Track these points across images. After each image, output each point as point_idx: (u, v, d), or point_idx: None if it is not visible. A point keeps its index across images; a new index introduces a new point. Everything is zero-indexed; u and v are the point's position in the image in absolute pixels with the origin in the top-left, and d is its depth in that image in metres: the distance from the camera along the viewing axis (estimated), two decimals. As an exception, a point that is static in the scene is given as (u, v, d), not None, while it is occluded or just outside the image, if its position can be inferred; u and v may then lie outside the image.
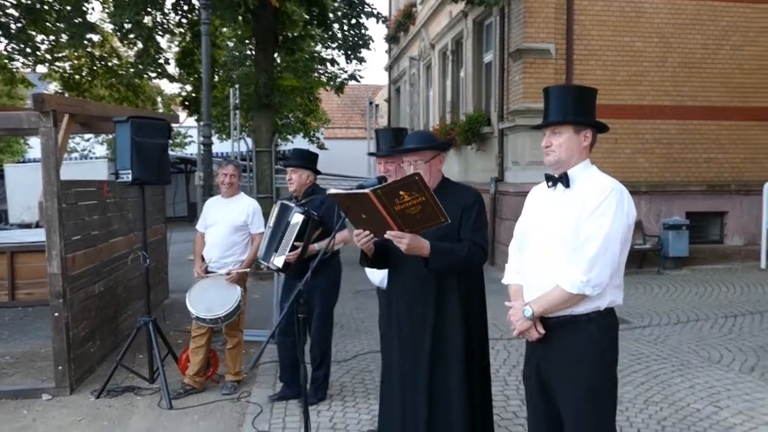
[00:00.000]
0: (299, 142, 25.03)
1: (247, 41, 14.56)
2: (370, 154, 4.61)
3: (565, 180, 2.73)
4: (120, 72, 15.06)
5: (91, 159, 26.01)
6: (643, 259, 11.06)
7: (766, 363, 5.92)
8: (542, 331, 2.73)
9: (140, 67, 12.88)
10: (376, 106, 25.30)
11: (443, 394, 3.31)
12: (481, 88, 13.89)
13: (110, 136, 23.53)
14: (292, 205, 4.94)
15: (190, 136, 25.90)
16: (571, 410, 2.71)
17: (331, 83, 16.43)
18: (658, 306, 8.38)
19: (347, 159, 25.25)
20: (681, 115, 11.51)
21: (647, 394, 5.17)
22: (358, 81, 17.34)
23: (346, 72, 16.56)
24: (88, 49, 15.03)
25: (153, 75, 13.85)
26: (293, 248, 4.78)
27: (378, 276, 4.00)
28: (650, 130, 11.45)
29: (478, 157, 13.41)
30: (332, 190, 3.07)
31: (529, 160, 10.88)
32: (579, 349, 2.68)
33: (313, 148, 25.32)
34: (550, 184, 2.80)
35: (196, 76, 14.78)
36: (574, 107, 2.71)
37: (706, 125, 11.62)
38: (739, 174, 11.76)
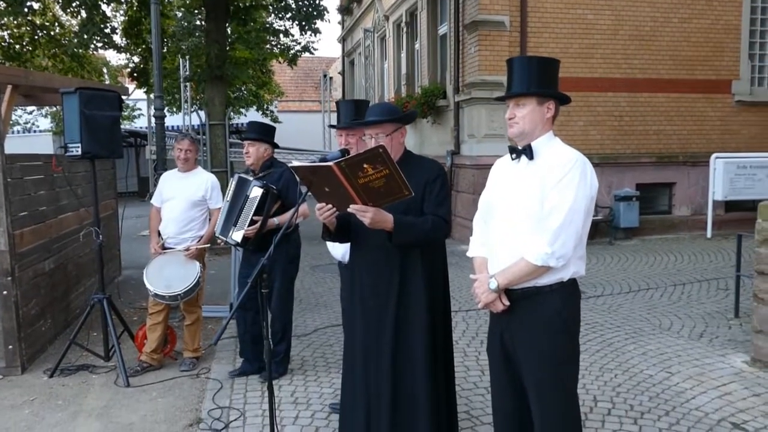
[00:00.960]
0: (252, 115, 24.66)
1: (196, 11, 14.14)
2: (331, 126, 4.54)
3: (528, 152, 2.73)
4: (63, 42, 14.48)
5: (35, 132, 25.13)
6: (595, 230, 11.27)
7: (714, 329, 6.12)
8: (507, 303, 2.75)
9: (85, 36, 12.39)
10: (330, 78, 25.11)
11: (407, 367, 3.30)
12: (437, 61, 13.85)
13: (55, 108, 22.75)
14: (251, 178, 4.85)
15: (139, 109, 25.23)
16: (534, 379, 2.74)
17: (284, 55, 16.13)
18: (611, 276, 8.58)
19: (302, 132, 25.04)
20: (632, 87, 11.71)
21: (602, 361, 5.30)
22: (312, 53, 17.08)
23: (299, 44, 16.23)
24: (29, 18, 14.41)
25: (99, 45, 13.36)
26: (252, 223, 4.70)
27: (340, 250, 3.97)
28: (602, 103, 11.63)
29: (433, 130, 13.42)
30: (295, 163, 3.02)
31: (485, 132, 10.94)
32: (542, 320, 2.71)
33: (267, 122, 25.09)
34: (513, 156, 2.79)
35: (144, 46, 14.34)
36: (538, 79, 2.70)
37: (656, 98, 11.85)
38: (687, 145, 12.07)
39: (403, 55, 15.97)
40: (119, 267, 9.45)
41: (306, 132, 25.36)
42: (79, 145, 5.14)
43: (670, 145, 11.99)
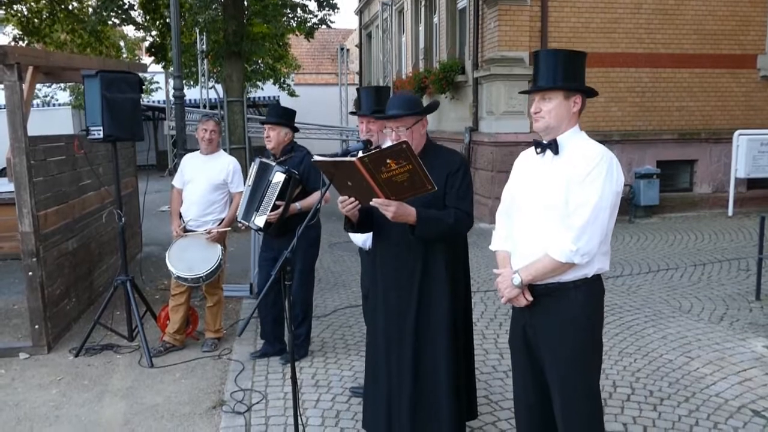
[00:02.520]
0: (269, 88, 24.57)
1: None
2: (352, 113, 4.52)
3: (554, 147, 2.70)
4: (81, 16, 14.44)
5: (54, 106, 25.24)
6: (614, 207, 11.18)
7: (734, 312, 6.09)
8: (530, 299, 2.75)
9: (104, 13, 12.36)
10: (347, 51, 24.87)
11: (429, 357, 3.33)
12: (455, 35, 13.69)
13: (74, 83, 22.80)
14: (273, 163, 4.85)
15: (157, 82, 25.17)
16: (556, 373, 2.75)
17: (302, 29, 15.99)
18: (630, 256, 8.54)
19: (319, 105, 24.89)
20: (654, 63, 11.53)
21: (621, 345, 5.30)
22: (329, 26, 16.93)
23: (316, 16, 16.07)
24: (47, -9, 14.41)
25: (117, 21, 13.32)
26: (274, 208, 4.72)
27: (361, 237, 3.98)
28: (624, 79, 11.47)
29: (452, 105, 13.31)
30: (317, 158, 3.01)
31: (504, 109, 10.85)
32: (565, 316, 2.70)
33: (283, 95, 24.96)
34: (538, 150, 2.77)
35: (161, 21, 14.28)
36: (564, 72, 2.66)
37: (679, 73, 11.66)
38: (710, 122, 11.88)
39: (421, 28, 15.79)
40: (140, 244, 9.54)
41: (323, 105, 25.21)
42: (101, 128, 5.17)
43: (693, 121, 11.82)
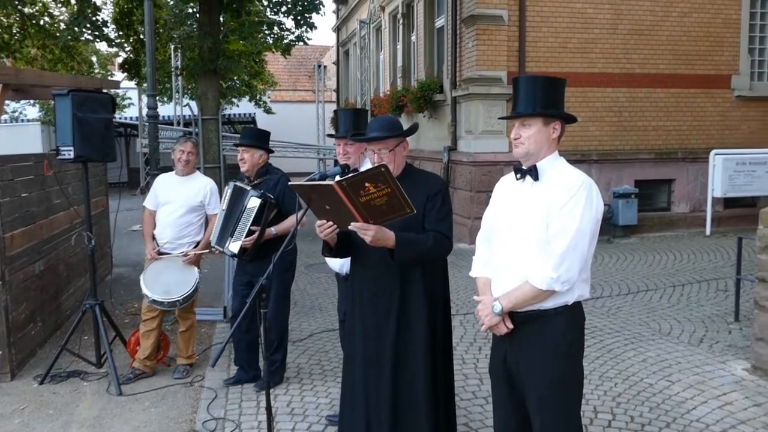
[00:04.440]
0: (245, 105, 24.54)
1: (189, 2, 14.01)
2: (329, 135, 4.51)
3: (534, 173, 2.70)
4: (53, 32, 14.33)
5: (23, 122, 24.93)
6: (593, 227, 11.26)
7: (713, 334, 6.13)
8: (511, 326, 2.74)
9: (75, 29, 12.26)
10: (325, 67, 24.96)
11: (408, 381, 3.30)
12: (434, 54, 13.79)
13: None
14: (248, 188, 4.80)
15: (129, 98, 25.01)
16: (536, 402, 2.73)
17: (278, 46, 16.03)
18: (609, 276, 8.59)
19: (295, 123, 24.95)
20: (631, 82, 11.70)
21: (602, 369, 5.30)
22: (306, 43, 16.99)
23: (293, 33, 16.11)
24: (18, 7, 14.25)
25: (90, 38, 13.23)
26: (249, 233, 4.67)
27: (338, 263, 3.95)
28: (601, 98, 11.61)
29: (430, 125, 13.37)
30: (294, 182, 2.99)
31: (482, 129, 10.91)
32: (546, 343, 2.70)
33: (259, 113, 24.90)
34: (518, 176, 2.77)
35: (135, 38, 14.20)
36: (544, 99, 2.68)
37: (655, 93, 11.84)
38: (686, 141, 12.07)
39: (399, 47, 15.89)
40: (110, 265, 9.39)
41: (299, 122, 25.26)
42: (72, 148, 5.10)
43: (670, 141, 11.99)
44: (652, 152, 11.83)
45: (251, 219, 4.65)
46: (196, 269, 5.35)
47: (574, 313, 2.74)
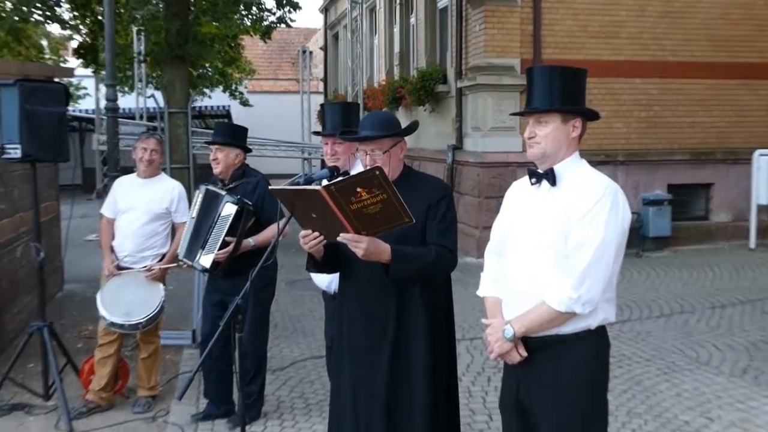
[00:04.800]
0: (218, 97, 24.56)
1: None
2: (315, 133, 4.53)
3: (551, 177, 2.72)
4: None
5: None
6: (619, 239, 11.29)
7: (759, 364, 6.15)
8: (524, 354, 2.74)
9: (24, 9, 12.27)
10: (310, 53, 25.05)
11: (405, 419, 3.30)
12: (436, 39, 13.86)
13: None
14: (222, 192, 4.79)
15: (85, 88, 25.03)
16: (555, 441, 2.74)
17: (257, 28, 16.07)
18: (639, 296, 8.61)
19: (276, 116, 24.95)
20: (662, 72, 11.75)
21: (630, 404, 5.31)
22: (289, 26, 17.03)
23: (274, 14, 16.14)
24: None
25: (41, 19, 13.25)
26: (224, 245, 4.67)
27: (325, 279, 3.95)
28: (628, 90, 11.68)
29: (432, 120, 13.41)
30: (275, 186, 3.00)
31: (492, 125, 10.95)
32: (566, 374, 2.70)
33: (235, 105, 24.93)
34: (533, 180, 2.78)
35: (92, 19, 14.23)
36: (562, 92, 2.69)
37: (690, 84, 11.90)
38: (726, 140, 12.09)
39: (396, 30, 15.97)
40: (61, 281, 9.39)
41: (281, 116, 25.26)
42: (19, 146, 5.12)
43: (707, 139, 12.03)
44: (686, 153, 11.88)
45: (226, 228, 4.64)
46: (161, 286, 5.34)
47: (597, 338, 2.75)
